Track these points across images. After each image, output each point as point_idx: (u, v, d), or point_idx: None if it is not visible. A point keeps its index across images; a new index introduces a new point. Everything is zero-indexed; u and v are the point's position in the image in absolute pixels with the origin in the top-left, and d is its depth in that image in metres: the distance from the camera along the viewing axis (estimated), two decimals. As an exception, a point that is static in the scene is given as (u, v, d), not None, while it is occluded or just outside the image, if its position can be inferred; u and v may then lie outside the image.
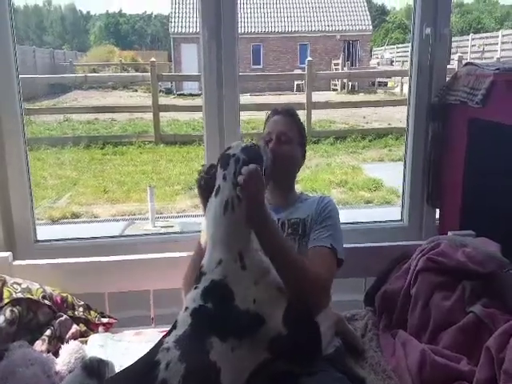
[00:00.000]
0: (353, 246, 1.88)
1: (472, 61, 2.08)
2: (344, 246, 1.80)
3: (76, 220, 4.69)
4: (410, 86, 2.14)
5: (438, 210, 2.13)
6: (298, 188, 1.71)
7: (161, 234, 2.68)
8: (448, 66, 2.10)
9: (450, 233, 1.79)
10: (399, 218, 2.20)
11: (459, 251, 1.55)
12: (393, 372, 1.36)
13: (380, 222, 2.23)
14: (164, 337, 1.14)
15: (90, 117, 9.13)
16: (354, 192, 5.23)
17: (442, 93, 2.04)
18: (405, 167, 2.19)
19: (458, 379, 1.25)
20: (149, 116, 7.89)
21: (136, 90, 13.33)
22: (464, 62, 2.26)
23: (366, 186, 5.39)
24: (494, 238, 1.62)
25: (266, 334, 1.13)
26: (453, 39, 2.10)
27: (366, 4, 17.50)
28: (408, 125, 2.16)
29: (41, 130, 8.34)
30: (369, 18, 17.06)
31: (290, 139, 1.58)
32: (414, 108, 2.10)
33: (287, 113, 1.64)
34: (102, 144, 7.40)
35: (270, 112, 1.69)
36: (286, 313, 1.16)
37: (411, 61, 2.10)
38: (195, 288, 1.18)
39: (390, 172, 5.51)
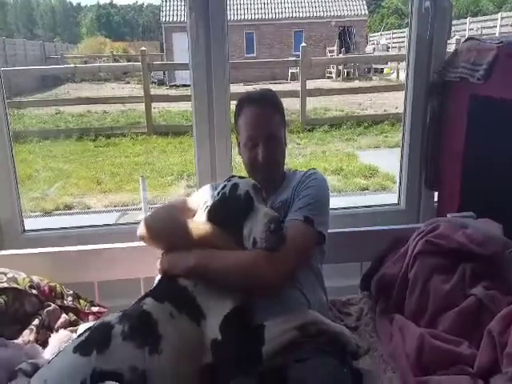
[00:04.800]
0: (348, 230, 1.84)
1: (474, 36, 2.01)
2: (339, 230, 1.76)
3: (68, 211, 4.62)
4: (407, 64, 2.07)
5: (436, 193, 2.08)
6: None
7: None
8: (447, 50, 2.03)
9: (449, 215, 1.73)
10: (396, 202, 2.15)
11: (459, 232, 1.49)
12: (390, 357, 1.31)
13: (376, 205, 2.17)
14: None
15: (82, 109, 9.04)
16: (350, 179, 5.16)
17: (441, 70, 1.97)
18: (402, 148, 2.13)
19: (459, 363, 1.20)
20: (141, 107, 7.80)
21: (128, 82, 13.24)
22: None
23: (361, 173, 5.31)
24: (495, 219, 1.57)
25: (205, 332, 1.15)
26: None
27: (361, -12, 17.26)
28: (406, 105, 2.10)
29: (33, 123, 8.25)
30: (364, 3, 16.86)
31: (279, 137, 1.48)
32: (411, 87, 2.04)
33: (265, 100, 1.48)
34: (94, 136, 7.32)
35: (241, 100, 1.51)
36: (224, 320, 1.14)
37: (409, 36, 2.02)
38: None
39: (386, 158, 5.46)
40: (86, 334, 1.13)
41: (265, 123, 1.45)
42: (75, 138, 7.24)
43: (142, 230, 1.40)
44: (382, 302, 1.52)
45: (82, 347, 1.09)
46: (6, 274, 1.56)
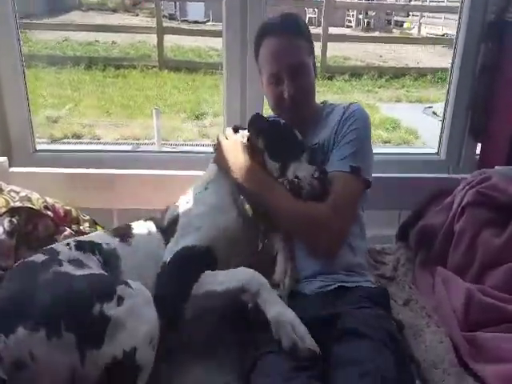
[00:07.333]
0: (387, 175, 1.72)
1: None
2: (377, 175, 1.63)
3: (77, 141, 4.45)
4: (460, 8, 1.86)
5: (479, 145, 1.93)
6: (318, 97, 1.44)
7: (170, 152, 2.46)
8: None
9: (497, 167, 1.60)
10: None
11: (515, 186, 1.37)
12: (433, 311, 1.23)
13: (414, 154, 2.03)
14: None
15: (90, 38, 8.60)
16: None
17: (500, 9, 1.78)
18: (447, 96, 1.96)
19: (509, 321, 1.13)
20: (151, 40, 7.43)
21: (137, 15, 12.58)
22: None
23: (382, 125, 5.08)
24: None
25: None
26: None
27: None
28: (456, 45, 1.90)
29: (39, 49, 7.84)
30: None
31: (306, 66, 1.30)
32: (465, 25, 1.84)
33: (286, 26, 1.30)
34: (102, 66, 7.00)
35: (259, 30, 1.35)
36: (181, 250, 1.14)
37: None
38: None
39: (408, 113, 5.22)
40: None
41: (288, 53, 1.27)
42: (83, 66, 6.92)
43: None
44: (423, 254, 1.43)
45: None
46: (18, 193, 1.42)
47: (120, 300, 0.93)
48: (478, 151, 1.94)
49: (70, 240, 1.16)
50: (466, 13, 1.83)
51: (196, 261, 1.12)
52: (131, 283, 0.99)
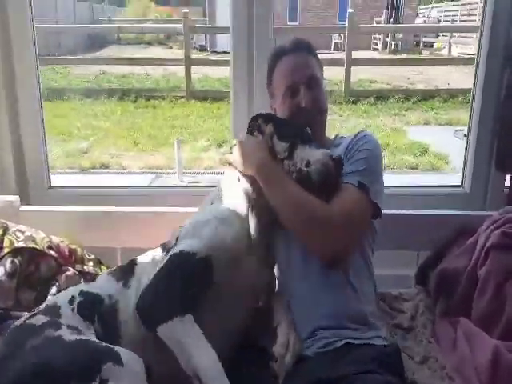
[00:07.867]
0: (404, 212, 1.61)
1: None
2: (393, 212, 1.52)
3: (104, 170, 4.63)
4: (480, 31, 1.76)
5: (508, 177, 1.79)
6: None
7: (185, 186, 2.45)
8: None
9: (527, 203, 1.46)
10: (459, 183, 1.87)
11: (546, 226, 1.23)
12: (455, 371, 1.09)
13: (435, 186, 1.90)
14: None
15: (126, 71, 9.02)
16: (397, 156, 4.78)
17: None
18: (470, 123, 1.85)
19: (542, 387, 0.98)
20: (181, 72, 7.69)
21: (171, 47, 13.10)
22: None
23: (410, 151, 4.92)
24: None
25: None
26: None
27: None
28: (477, 77, 1.79)
29: (78, 82, 8.30)
30: (414, -28, 15.61)
31: (320, 80, 1.33)
32: (485, 55, 1.74)
33: (300, 47, 1.35)
34: (134, 97, 7.30)
35: (273, 54, 1.39)
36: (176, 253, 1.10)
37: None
38: None
39: (438, 136, 5.04)
40: None
41: (303, 67, 1.31)
42: (116, 98, 7.22)
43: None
44: (443, 302, 1.30)
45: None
46: (23, 233, 1.45)
47: (103, 383, 0.85)
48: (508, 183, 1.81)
49: (75, 293, 1.10)
50: (487, 33, 1.73)
51: (190, 269, 1.06)
52: (123, 356, 0.90)
